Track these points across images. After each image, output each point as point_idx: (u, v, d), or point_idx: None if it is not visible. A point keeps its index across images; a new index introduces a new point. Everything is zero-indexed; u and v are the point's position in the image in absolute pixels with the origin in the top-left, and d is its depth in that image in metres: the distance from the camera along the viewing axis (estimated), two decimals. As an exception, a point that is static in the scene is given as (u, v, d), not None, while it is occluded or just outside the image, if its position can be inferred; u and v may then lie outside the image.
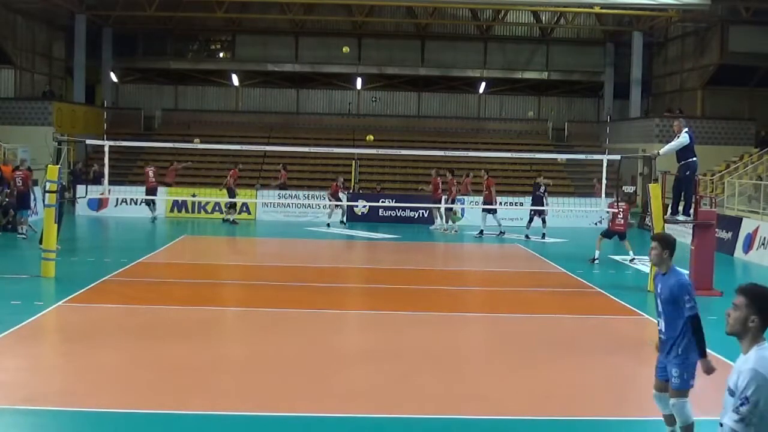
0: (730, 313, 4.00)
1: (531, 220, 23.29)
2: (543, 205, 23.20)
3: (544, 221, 23.21)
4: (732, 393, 3.89)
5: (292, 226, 24.88)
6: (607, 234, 18.78)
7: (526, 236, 22.93)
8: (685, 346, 6.54)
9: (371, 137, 26.90)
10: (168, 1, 33.73)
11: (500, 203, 25.33)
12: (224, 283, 15.14)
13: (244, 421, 7.28)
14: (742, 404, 3.80)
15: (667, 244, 6.57)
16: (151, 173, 25.61)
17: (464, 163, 30.28)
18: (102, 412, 7.35)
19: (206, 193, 27.23)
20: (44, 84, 35.42)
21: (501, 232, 23.53)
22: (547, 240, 22.68)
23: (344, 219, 25.50)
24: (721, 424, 3.95)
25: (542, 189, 23.38)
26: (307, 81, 40.78)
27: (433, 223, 25.95)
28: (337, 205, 24.89)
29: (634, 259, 18.29)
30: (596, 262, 18.27)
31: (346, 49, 26.42)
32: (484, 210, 23.55)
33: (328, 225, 24.53)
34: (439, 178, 24.80)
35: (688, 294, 6.39)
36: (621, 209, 18.46)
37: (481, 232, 23.52)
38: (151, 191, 25.29)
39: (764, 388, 3.79)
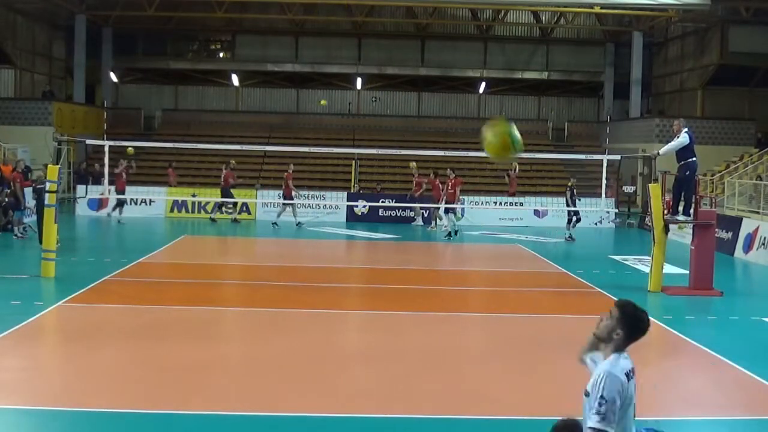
0: None
1: (570, 221, 23.22)
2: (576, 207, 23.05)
3: (573, 221, 23.25)
4: None
5: (292, 226, 24.87)
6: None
7: (570, 236, 22.90)
8: None
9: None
10: (168, 1, 33.74)
11: (501, 203, 25.28)
12: (224, 283, 15.14)
13: (244, 421, 7.27)
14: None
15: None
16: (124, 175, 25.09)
17: (464, 163, 30.28)
18: (102, 412, 7.34)
19: (206, 193, 27.24)
20: (44, 84, 35.44)
21: (451, 232, 22.72)
22: (559, 240, 22.71)
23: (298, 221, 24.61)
24: None
25: (574, 191, 23.29)
26: (307, 81, 40.80)
27: (432, 223, 25.86)
28: (287, 204, 24.19)
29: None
30: None
31: (323, 102, 26.28)
32: (446, 210, 23.04)
33: (299, 224, 24.12)
34: (438, 179, 24.69)
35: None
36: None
37: (452, 232, 22.87)
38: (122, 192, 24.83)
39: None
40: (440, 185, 24.25)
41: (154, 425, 7.14)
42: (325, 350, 9.97)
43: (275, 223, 24.45)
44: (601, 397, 4.03)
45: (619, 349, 4.22)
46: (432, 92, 40.99)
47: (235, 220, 25.71)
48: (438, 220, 25.00)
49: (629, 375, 4.17)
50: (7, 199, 20.39)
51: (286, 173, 24.65)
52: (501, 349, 10.45)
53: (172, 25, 37.89)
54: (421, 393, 8.23)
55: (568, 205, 23.23)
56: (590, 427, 4.04)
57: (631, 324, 4.21)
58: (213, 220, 25.61)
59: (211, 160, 32.31)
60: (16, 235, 19.74)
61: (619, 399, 4.05)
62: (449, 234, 22.67)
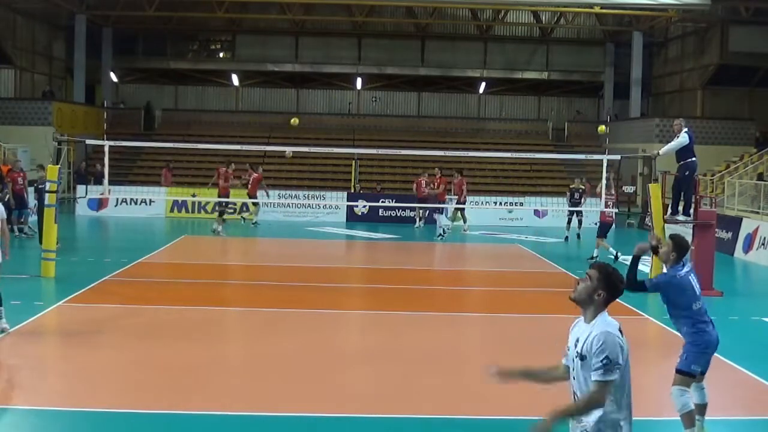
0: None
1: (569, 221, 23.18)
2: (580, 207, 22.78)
3: (580, 222, 23.19)
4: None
5: (292, 226, 24.87)
6: (602, 230, 18.71)
7: (578, 236, 22.98)
8: (690, 335, 7.04)
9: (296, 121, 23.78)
10: (168, 1, 33.72)
11: (501, 203, 25.27)
12: (224, 283, 15.14)
13: (244, 421, 7.28)
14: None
15: (679, 248, 7.01)
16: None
17: (464, 163, 30.27)
18: (102, 412, 7.35)
19: (206, 193, 27.21)
20: (44, 84, 35.42)
21: (442, 233, 22.65)
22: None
23: (218, 228, 22.05)
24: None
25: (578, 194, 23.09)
26: (307, 81, 40.78)
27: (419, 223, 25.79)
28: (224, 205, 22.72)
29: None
30: (595, 260, 18.24)
31: (294, 121, 23.56)
32: (439, 210, 22.89)
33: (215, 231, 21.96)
34: (422, 179, 24.53)
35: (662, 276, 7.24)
36: (611, 201, 18.46)
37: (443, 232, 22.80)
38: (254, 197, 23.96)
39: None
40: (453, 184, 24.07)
41: (154, 425, 7.15)
42: (325, 350, 9.97)
43: (255, 222, 24.31)
44: (606, 357, 4.24)
45: (600, 310, 4.38)
46: (432, 92, 40.98)
47: (252, 222, 24.96)
48: (451, 219, 25.00)
49: (621, 329, 4.38)
50: (7, 198, 20.39)
51: (223, 170, 23.08)
52: (501, 349, 10.45)
53: (172, 25, 37.87)
54: (421, 393, 8.23)
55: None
56: (596, 381, 4.25)
57: (612, 284, 4.41)
58: (244, 220, 25.19)
59: (211, 160, 32.32)
60: (16, 234, 19.76)
61: (620, 356, 4.28)
62: (444, 232, 22.66)
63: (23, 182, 20.63)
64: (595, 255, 18.45)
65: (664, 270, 7.25)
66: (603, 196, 18.39)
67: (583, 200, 23.10)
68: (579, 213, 22.93)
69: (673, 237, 7.11)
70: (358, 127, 38.42)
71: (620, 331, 4.36)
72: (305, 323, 11.45)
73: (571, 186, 23.52)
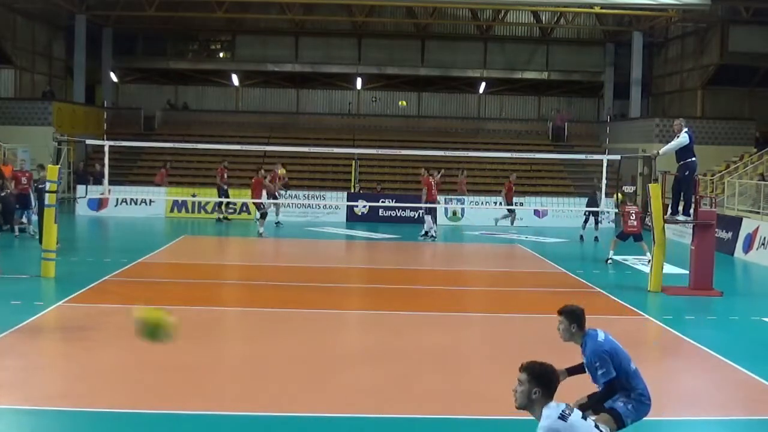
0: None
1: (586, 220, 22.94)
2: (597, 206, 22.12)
3: (596, 224, 22.91)
4: None
5: (292, 226, 24.87)
6: (622, 236, 18.62)
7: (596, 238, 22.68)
8: (633, 397, 5.94)
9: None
10: (168, 1, 33.73)
11: (500, 203, 25.29)
12: (224, 283, 15.14)
13: (244, 421, 7.28)
14: None
15: (575, 317, 6.15)
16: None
17: (464, 163, 30.29)
18: (102, 412, 7.35)
19: (206, 193, 27.22)
20: (44, 84, 35.42)
21: (428, 233, 22.45)
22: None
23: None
24: None
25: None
26: (307, 81, 40.79)
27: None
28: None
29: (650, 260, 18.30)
30: (611, 262, 18.17)
31: (403, 103, 24.26)
32: (427, 210, 22.64)
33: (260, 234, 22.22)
34: (431, 178, 24.34)
35: (599, 360, 5.91)
36: (633, 212, 18.35)
37: (427, 233, 22.62)
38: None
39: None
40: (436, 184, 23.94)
41: (154, 425, 7.15)
42: (325, 350, 9.96)
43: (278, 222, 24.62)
44: None
45: (543, 404, 4.52)
46: (432, 92, 40.99)
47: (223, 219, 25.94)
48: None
49: (564, 415, 4.48)
50: (8, 192, 20.38)
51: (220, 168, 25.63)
52: (501, 349, 10.45)
53: (172, 25, 37.87)
54: (421, 393, 8.23)
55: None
56: None
57: (544, 381, 4.55)
58: (225, 219, 25.86)
59: (210, 160, 32.34)
60: (16, 234, 19.77)
61: None
62: (426, 233, 22.49)
63: (27, 182, 20.60)
64: (611, 256, 18.39)
65: (593, 344, 6.03)
66: (626, 208, 18.37)
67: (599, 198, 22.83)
68: (595, 214, 22.64)
69: (561, 311, 6.24)
70: (358, 127, 38.43)
71: (562, 414, 4.47)
72: (305, 323, 11.44)
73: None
